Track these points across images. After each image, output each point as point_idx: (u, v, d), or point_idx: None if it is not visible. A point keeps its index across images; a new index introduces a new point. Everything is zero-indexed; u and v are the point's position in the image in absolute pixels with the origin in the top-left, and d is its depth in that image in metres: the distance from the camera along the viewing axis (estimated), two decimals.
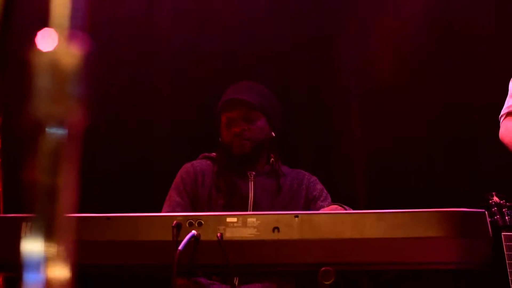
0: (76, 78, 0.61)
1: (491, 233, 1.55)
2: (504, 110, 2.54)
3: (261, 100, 2.56)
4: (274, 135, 2.60)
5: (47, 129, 0.61)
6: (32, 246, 0.66)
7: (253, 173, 2.56)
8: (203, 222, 1.57)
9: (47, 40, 0.62)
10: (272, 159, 2.60)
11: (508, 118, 2.52)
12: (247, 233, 1.55)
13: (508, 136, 2.50)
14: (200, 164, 2.59)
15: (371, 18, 3.55)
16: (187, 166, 2.59)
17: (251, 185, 2.53)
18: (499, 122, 2.56)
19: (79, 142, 0.63)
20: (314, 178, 2.63)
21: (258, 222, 1.55)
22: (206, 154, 2.65)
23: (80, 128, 0.63)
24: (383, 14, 3.57)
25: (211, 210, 2.43)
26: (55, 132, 0.62)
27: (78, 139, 0.63)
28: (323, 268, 1.48)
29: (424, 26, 3.53)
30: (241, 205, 2.48)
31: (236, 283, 2.34)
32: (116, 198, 3.35)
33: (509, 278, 2.42)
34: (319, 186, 2.59)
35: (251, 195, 2.51)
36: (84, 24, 0.63)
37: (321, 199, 2.53)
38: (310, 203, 2.52)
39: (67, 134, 0.62)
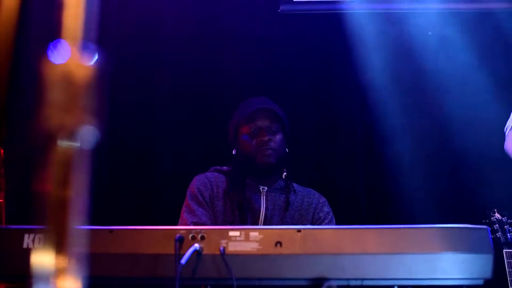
0: (88, 90, 0.62)
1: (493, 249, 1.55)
2: (509, 123, 2.55)
3: (281, 113, 2.55)
4: (287, 151, 2.57)
5: (58, 141, 0.61)
6: (36, 258, 0.66)
7: (265, 188, 2.53)
8: (205, 236, 1.56)
9: (59, 52, 0.63)
10: (285, 173, 2.57)
11: None
12: (249, 247, 1.54)
13: None
14: (214, 176, 2.53)
15: None
16: (200, 177, 2.53)
17: (263, 200, 2.50)
18: (505, 133, 2.57)
19: (89, 154, 0.63)
20: (323, 199, 2.60)
21: (261, 236, 1.55)
22: (218, 167, 2.60)
23: (91, 140, 0.63)
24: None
25: (225, 224, 2.40)
26: (66, 143, 0.62)
27: (89, 151, 0.63)
28: (326, 283, 1.48)
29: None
30: (253, 220, 2.45)
31: None
32: (119, 210, 3.34)
33: None
34: (327, 208, 2.57)
35: (262, 210, 2.48)
36: (96, 36, 0.63)
37: (326, 221, 2.51)
38: (315, 224, 2.50)
39: (78, 146, 0.62)
